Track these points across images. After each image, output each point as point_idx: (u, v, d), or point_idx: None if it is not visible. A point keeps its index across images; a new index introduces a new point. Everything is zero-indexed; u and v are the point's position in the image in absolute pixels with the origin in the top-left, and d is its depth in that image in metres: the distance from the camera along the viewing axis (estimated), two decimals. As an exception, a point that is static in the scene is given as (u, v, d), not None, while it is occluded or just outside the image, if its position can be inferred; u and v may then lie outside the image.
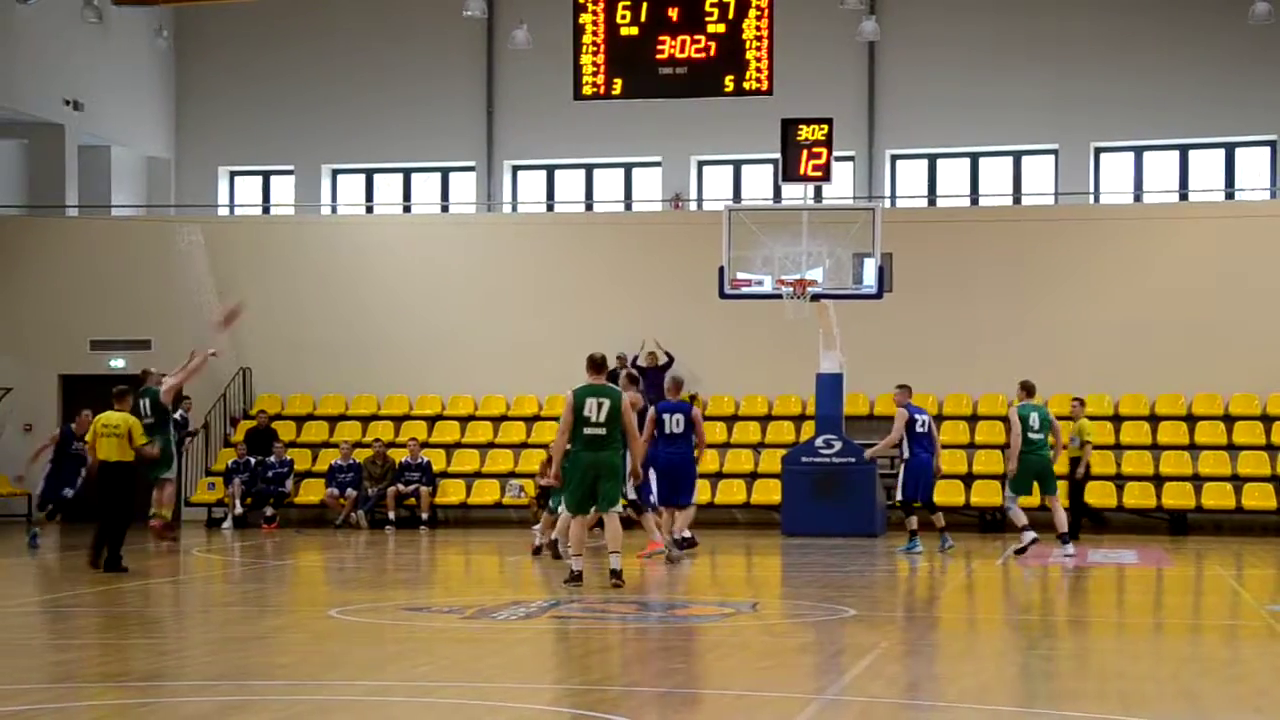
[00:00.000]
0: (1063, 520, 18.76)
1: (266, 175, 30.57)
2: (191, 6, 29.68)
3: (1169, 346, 25.14)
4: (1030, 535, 18.48)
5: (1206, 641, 12.47)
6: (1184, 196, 27.44)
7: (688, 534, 18.14)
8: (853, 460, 22.33)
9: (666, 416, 17.77)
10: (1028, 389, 18.87)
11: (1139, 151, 27.78)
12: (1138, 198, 27.67)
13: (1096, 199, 27.68)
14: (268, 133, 29.78)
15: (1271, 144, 27.07)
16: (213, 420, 27.07)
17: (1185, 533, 23.62)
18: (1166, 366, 25.11)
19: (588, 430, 14.55)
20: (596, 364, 14.82)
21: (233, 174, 30.62)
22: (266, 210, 30.48)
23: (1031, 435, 18.48)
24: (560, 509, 16.72)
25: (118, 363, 26.99)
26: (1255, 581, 17.14)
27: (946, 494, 23.80)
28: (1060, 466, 19.67)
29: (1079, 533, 21.59)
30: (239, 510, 25.15)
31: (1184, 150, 27.57)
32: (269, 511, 25.16)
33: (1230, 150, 27.44)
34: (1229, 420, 24.87)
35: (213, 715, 8.64)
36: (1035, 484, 18.55)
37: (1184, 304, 25.26)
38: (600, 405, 14.54)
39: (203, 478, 26.43)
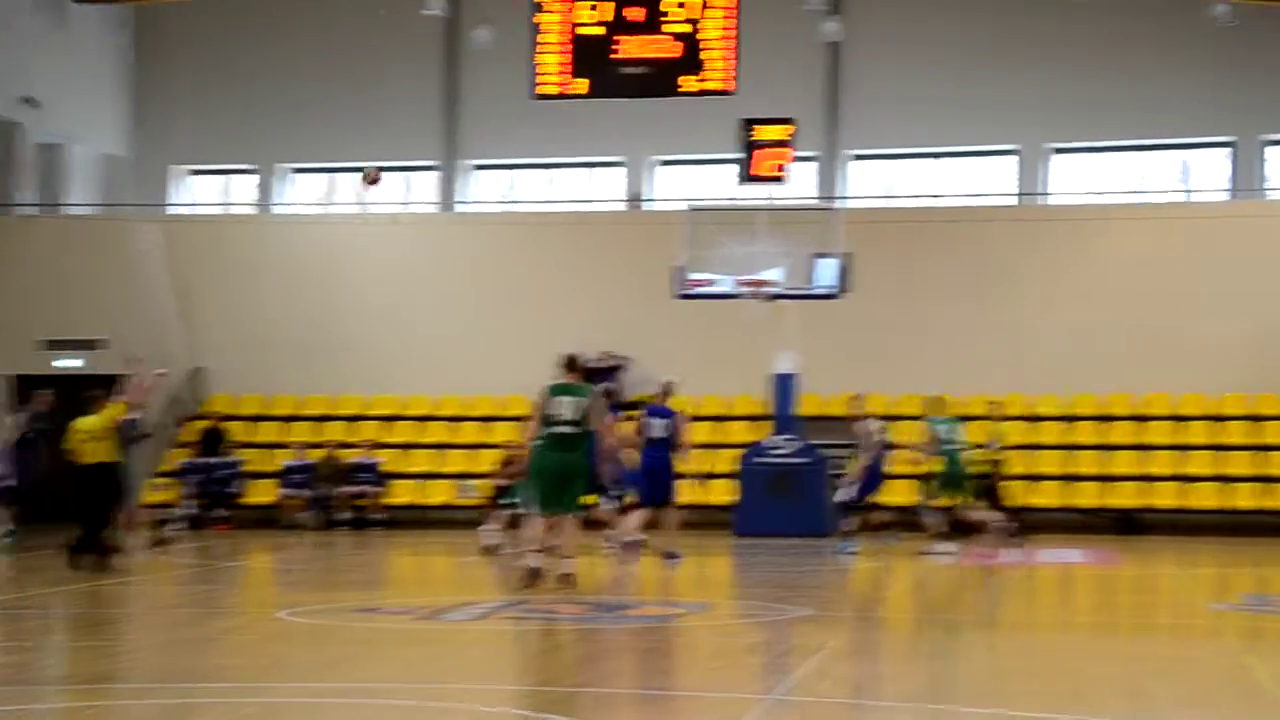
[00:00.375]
0: (970, 523, 19.29)
1: (226, 174, 30.44)
2: (151, 4, 29.56)
3: (1122, 347, 25.31)
4: (946, 547, 19.00)
5: (1154, 640, 12.55)
6: (1140, 198, 27.59)
7: (642, 536, 18.20)
8: (807, 461, 22.40)
9: (652, 421, 17.99)
10: (935, 404, 19.93)
11: (1096, 153, 27.91)
12: (1095, 199, 27.81)
13: (1054, 200, 27.80)
14: (227, 132, 29.64)
15: (1227, 145, 27.23)
16: (165, 421, 26.93)
17: (1134, 532, 23.77)
18: (1118, 367, 25.28)
19: (557, 428, 14.40)
20: (569, 362, 14.74)
21: (191, 173, 30.48)
22: (225, 210, 30.36)
23: (945, 446, 19.28)
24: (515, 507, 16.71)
25: (72, 362, 26.85)
26: (1203, 580, 17.29)
27: (901, 494, 23.89)
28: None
29: (1023, 533, 22.04)
30: (191, 511, 25.02)
31: (1140, 151, 27.70)
32: (220, 512, 25.07)
33: (1186, 152, 27.60)
34: (1178, 421, 25.05)
35: (159, 718, 8.61)
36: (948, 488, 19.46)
37: (1138, 305, 25.43)
38: (570, 403, 14.46)
39: (154, 478, 26.28)
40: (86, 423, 16.80)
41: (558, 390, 14.53)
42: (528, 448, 14.77)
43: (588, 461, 14.69)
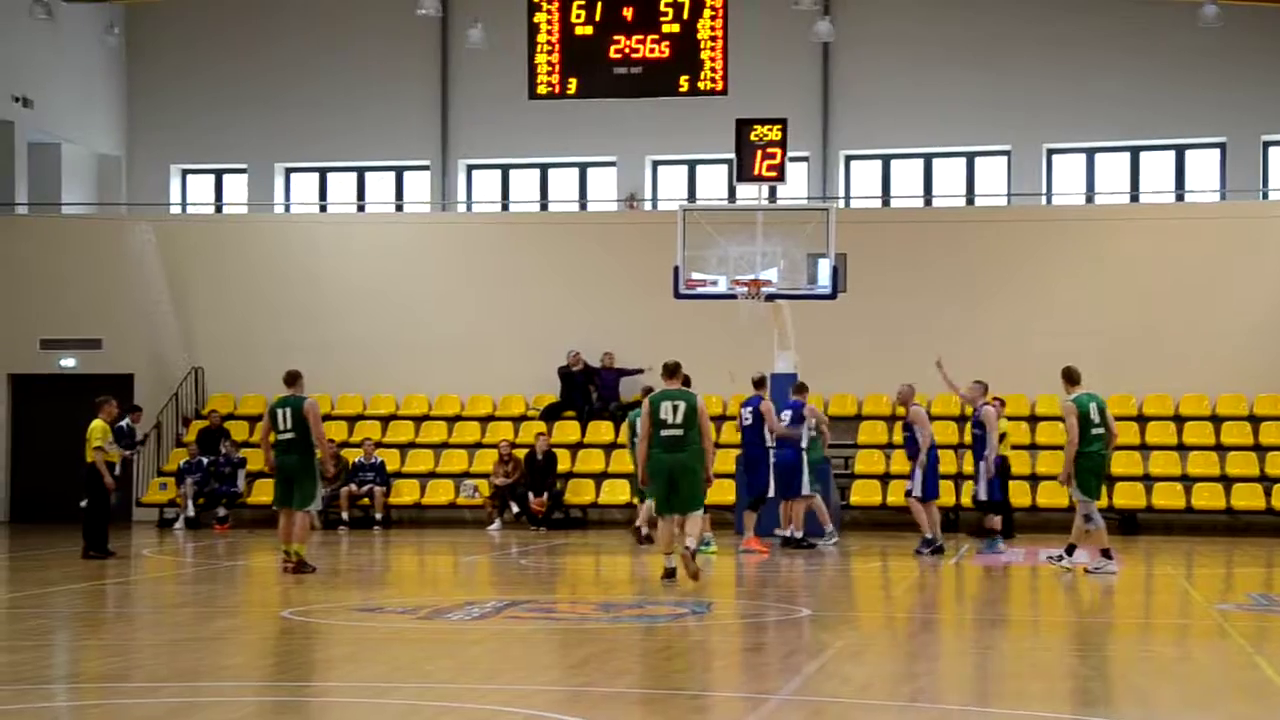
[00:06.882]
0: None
1: (219, 174, 30.37)
2: (143, 2, 29.48)
3: (1120, 347, 25.28)
4: (1065, 561, 16.74)
5: (1157, 640, 12.54)
6: (1134, 198, 27.62)
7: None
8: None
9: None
10: (1073, 377, 16.79)
11: (1090, 153, 27.94)
12: (1089, 199, 27.84)
13: (1048, 200, 27.83)
14: (220, 131, 29.56)
15: (1220, 146, 27.27)
16: (165, 420, 26.89)
17: (1136, 532, 23.77)
18: (1117, 366, 25.22)
19: (665, 432, 15.20)
20: (670, 370, 15.56)
21: (185, 172, 30.40)
22: (219, 209, 30.31)
23: (1093, 431, 16.52)
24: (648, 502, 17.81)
25: (67, 361, 26.80)
26: (1205, 581, 17.28)
27: (891, 493, 23.90)
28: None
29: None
30: (191, 511, 24.99)
31: (1134, 152, 27.74)
32: (221, 512, 25.01)
33: (1180, 152, 27.64)
34: (1179, 420, 25.05)
35: (162, 717, 8.58)
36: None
37: (1135, 304, 25.44)
38: (675, 408, 15.19)
39: (154, 478, 26.25)
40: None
41: (661, 397, 15.33)
42: (643, 454, 15.35)
43: (697, 462, 15.23)
